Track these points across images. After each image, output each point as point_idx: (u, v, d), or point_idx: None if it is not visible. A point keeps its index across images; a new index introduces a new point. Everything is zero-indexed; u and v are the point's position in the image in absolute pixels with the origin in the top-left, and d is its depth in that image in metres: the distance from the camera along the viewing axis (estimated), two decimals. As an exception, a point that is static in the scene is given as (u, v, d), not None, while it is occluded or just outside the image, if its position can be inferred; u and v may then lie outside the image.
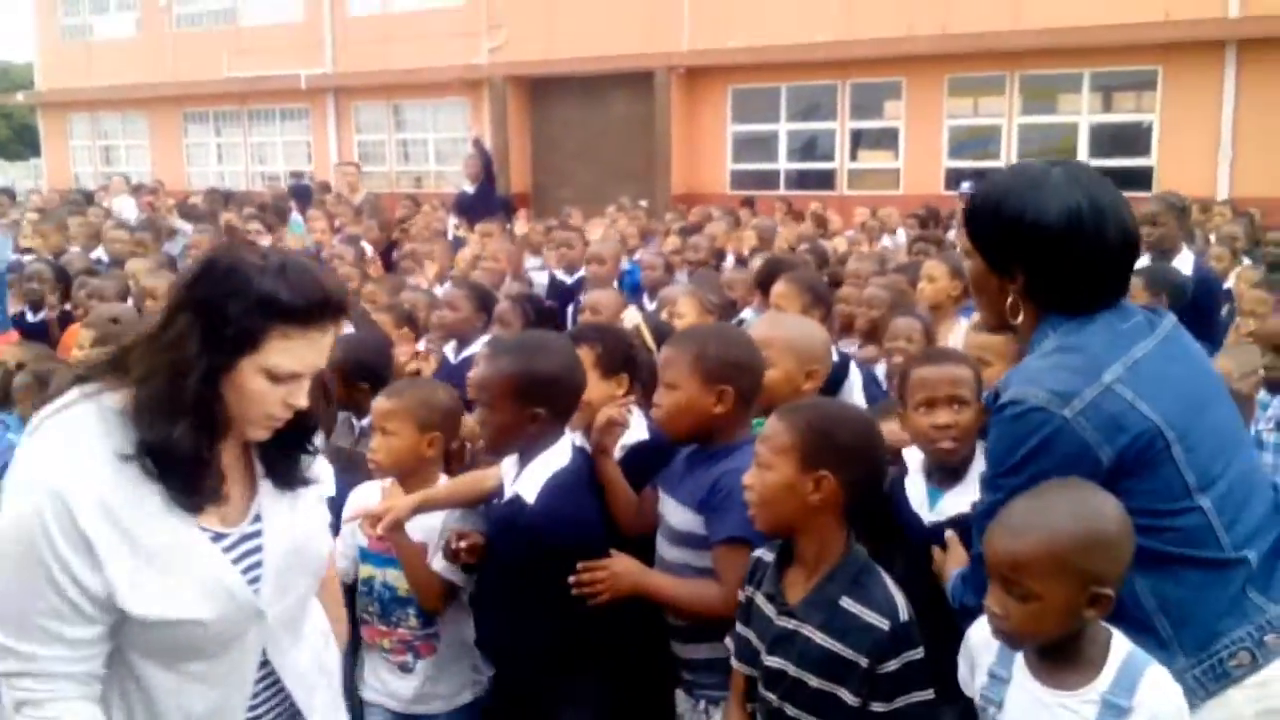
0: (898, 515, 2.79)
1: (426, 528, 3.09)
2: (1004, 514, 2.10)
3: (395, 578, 3.12)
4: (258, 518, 1.99)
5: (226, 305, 1.80)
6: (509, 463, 2.98)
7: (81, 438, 1.80)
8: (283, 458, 2.03)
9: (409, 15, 20.99)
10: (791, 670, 2.32)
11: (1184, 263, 5.88)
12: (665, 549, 2.83)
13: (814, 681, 2.28)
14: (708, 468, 2.75)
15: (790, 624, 2.35)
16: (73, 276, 6.72)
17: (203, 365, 1.80)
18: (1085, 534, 2.00)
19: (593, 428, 2.99)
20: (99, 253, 8.54)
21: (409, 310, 5.63)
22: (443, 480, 3.20)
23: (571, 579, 2.67)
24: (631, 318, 4.25)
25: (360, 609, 3.20)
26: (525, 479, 2.82)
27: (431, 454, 3.17)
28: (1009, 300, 2.22)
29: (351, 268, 7.33)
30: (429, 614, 3.08)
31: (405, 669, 3.16)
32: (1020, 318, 2.23)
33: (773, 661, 2.36)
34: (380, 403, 3.22)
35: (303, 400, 1.91)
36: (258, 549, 1.97)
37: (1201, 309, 5.42)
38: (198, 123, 24.74)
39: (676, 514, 2.80)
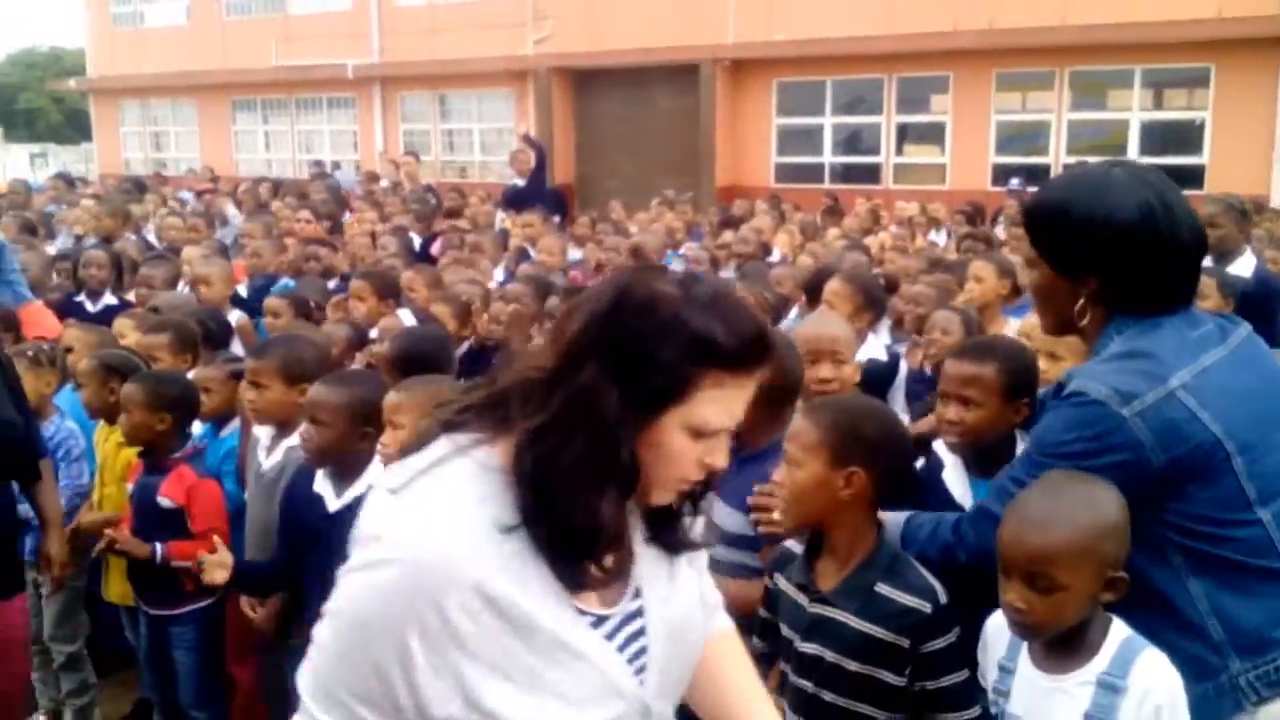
0: (939, 505, 2.76)
1: None
2: (1019, 509, 2.13)
3: None
4: (638, 593, 1.62)
5: (653, 346, 1.45)
6: None
7: (459, 503, 1.48)
8: (670, 517, 1.65)
9: (455, 5, 21.09)
10: (829, 656, 2.35)
11: (1244, 265, 5.83)
12: (719, 550, 2.85)
13: (853, 665, 2.32)
14: (754, 469, 2.79)
15: (825, 611, 2.38)
16: (127, 263, 6.87)
17: (628, 420, 1.46)
18: (1100, 521, 2.05)
19: None
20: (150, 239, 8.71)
21: (467, 302, 5.69)
22: None
23: None
24: None
25: None
26: None
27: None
28: (1078, 305, 2.23)
29: (395, 258, 7.41)
30: None
31: None
32: (1086, 320, 2.24)
33: (808, 648, 2.39)
34: (391, 396, 3.24)
35: (723, 459, 1.57)
36: (640, 632, 1.60)
37: (1263, 312, 5.38)
38: (246, 110, 25.00)
39: (728, 517, 2.85)
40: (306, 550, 3.36)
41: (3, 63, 51.48)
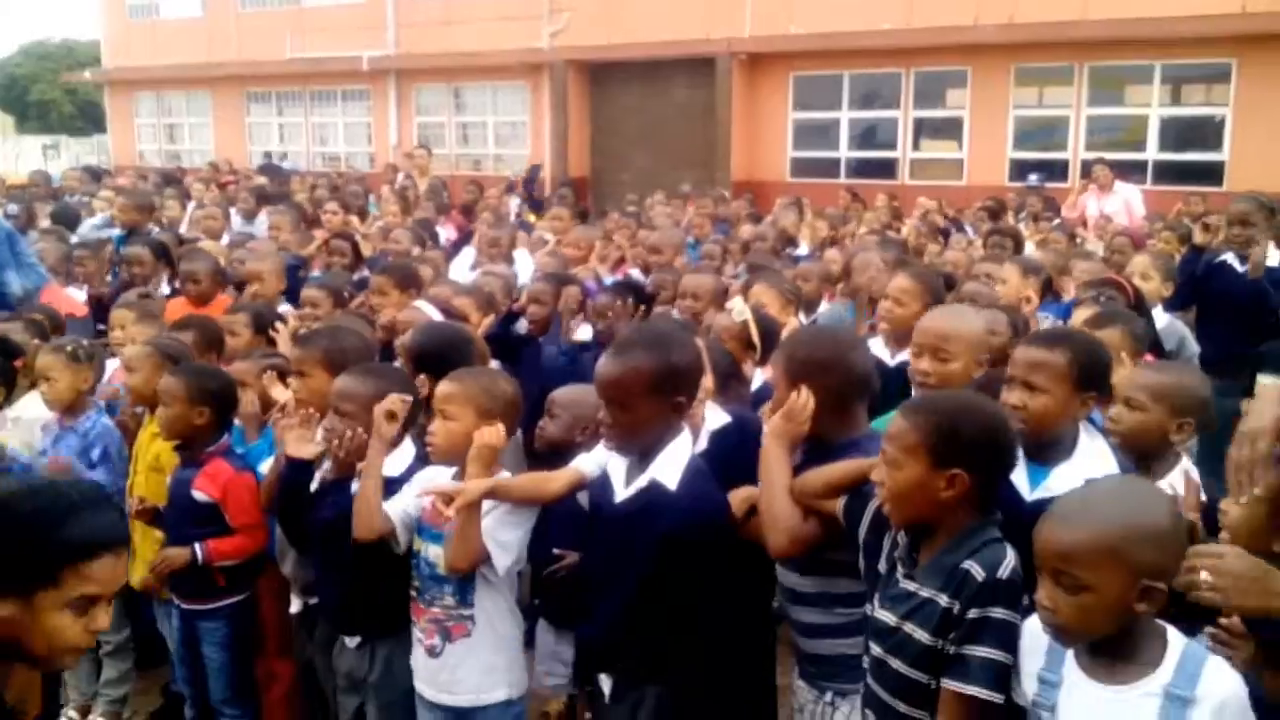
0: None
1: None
2: (1056, 505, 2.16)
3: (437, 555, 3.16)
4: None
5: None
6: (597, 460, 3.00)
7: None
8: None
9: (471, -2, 21.07)
10: (899, 623, 2.38)
11: (1270, 261, 5.83)
12: (789, 578, 2.91)
13: (920, 634, 2.33)
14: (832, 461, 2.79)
15: (910, 585, 2.40)
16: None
17: None
18: (1134, 525, 2.03)
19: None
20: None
21: (490, 294, 5.68)
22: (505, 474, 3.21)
23: None
24: (739, 309, 4.20)
25: (411, 583, 3.26)
26: (661, 466, 2.82)
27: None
28: None
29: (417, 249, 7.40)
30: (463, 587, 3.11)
31: (433, 653, 3.20)
32: None
33: (882, 615, 2.43)
34: (443, 387, 3.26)
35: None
36: None
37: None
38: (260, 103, 24.99)
39: None
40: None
41: (15, 54, 51.50)
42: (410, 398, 3.24)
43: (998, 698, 2.25)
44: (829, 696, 2.85)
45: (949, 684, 2.28)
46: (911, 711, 2.37)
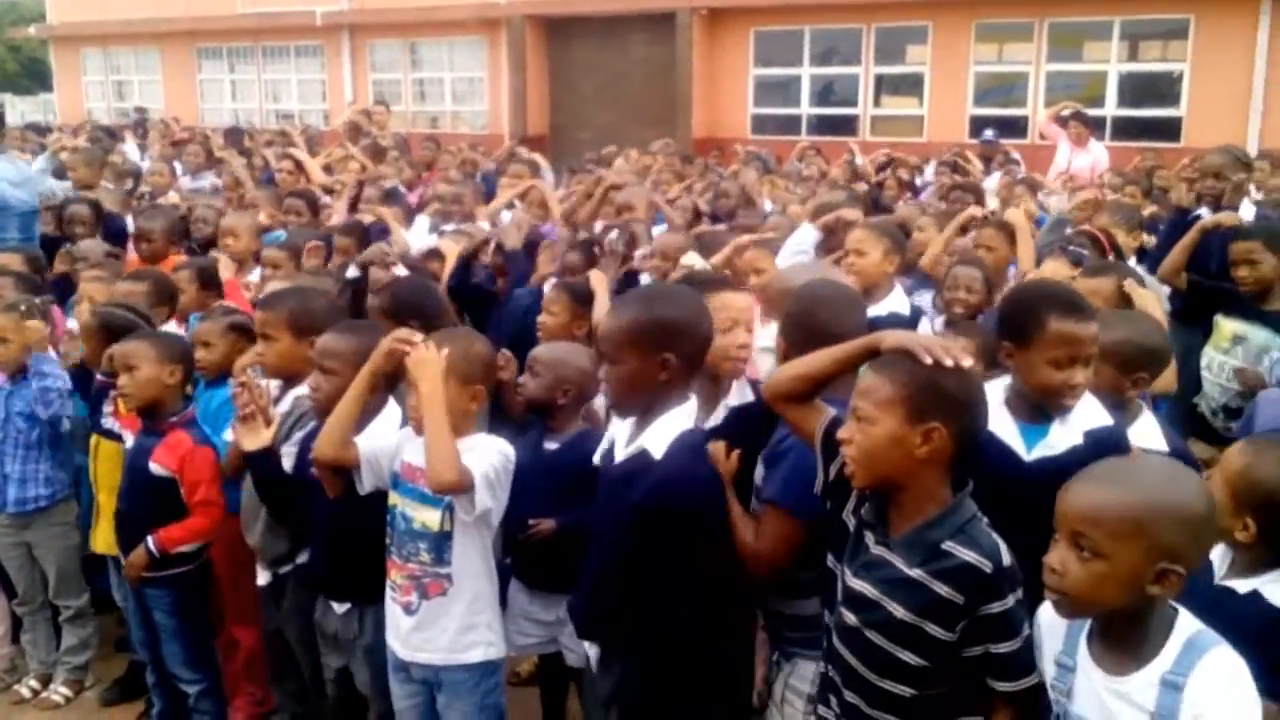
0: (985, 453, 2.60)
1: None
2: (1093, 467, 2.11)
3: (414, 509, 3.11)
4: None
5: None
6: (618, 428, 2.95)
7: None
8: None
9: (427, -49, 20.70)
10: (876, 596, 2.31)
11: (1245, 213, 5.84)
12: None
13: (900, 613, 2.27)
14: (784, 424, 2.73)
15: (885, 554, 2.33)
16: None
17: None
18: (1165, 503, 1.99)
19: None
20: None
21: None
22: (481, 436, 3.16)
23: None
24: (693, 261, 4.18)
25: (387, 538, 3.21)
26: (651, 434, 2.75)
27: (474, 407, 3.14)
28: None
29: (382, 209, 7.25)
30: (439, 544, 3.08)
31: (409, 610, 3.15)
32: None
33: (857, 585, 2.36)
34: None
35: None
36: None
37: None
38: (212, 59, 24.48)
39: (759, 472, 2.83)
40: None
41: (-46, 10, 50.10)
42: (421, 336, 3.13)
43: (1041, 675, 2.26)
44: (774, 656, 2.83)
45: (1003, 686, 2.26)
46: (881, 682, 2.32)
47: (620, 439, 2.85)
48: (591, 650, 2.97)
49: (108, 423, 4.27)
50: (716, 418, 3.07)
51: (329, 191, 8.08)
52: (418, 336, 3.10)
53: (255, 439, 3.50)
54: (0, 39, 40.59)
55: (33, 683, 4.68)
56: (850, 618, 2.36)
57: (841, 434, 2.38)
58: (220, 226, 6.21)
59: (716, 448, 2.79)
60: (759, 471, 2.82)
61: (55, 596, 4.60)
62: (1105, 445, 2.63)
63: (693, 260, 4.42)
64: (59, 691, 4.62)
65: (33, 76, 39.17)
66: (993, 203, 7.97)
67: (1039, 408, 2.74)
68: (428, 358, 3.00)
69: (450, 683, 3.16)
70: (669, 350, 2.73)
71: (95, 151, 9.07)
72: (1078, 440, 2.60)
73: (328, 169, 9.51)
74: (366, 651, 3.43)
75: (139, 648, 4.22)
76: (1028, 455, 2.69)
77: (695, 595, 2.68)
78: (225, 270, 5.58)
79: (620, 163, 11.13)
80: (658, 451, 2.72)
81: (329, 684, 3.63)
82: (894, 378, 2.31)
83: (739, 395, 3.11)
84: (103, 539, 4.26)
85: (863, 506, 2.44)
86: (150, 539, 3.81)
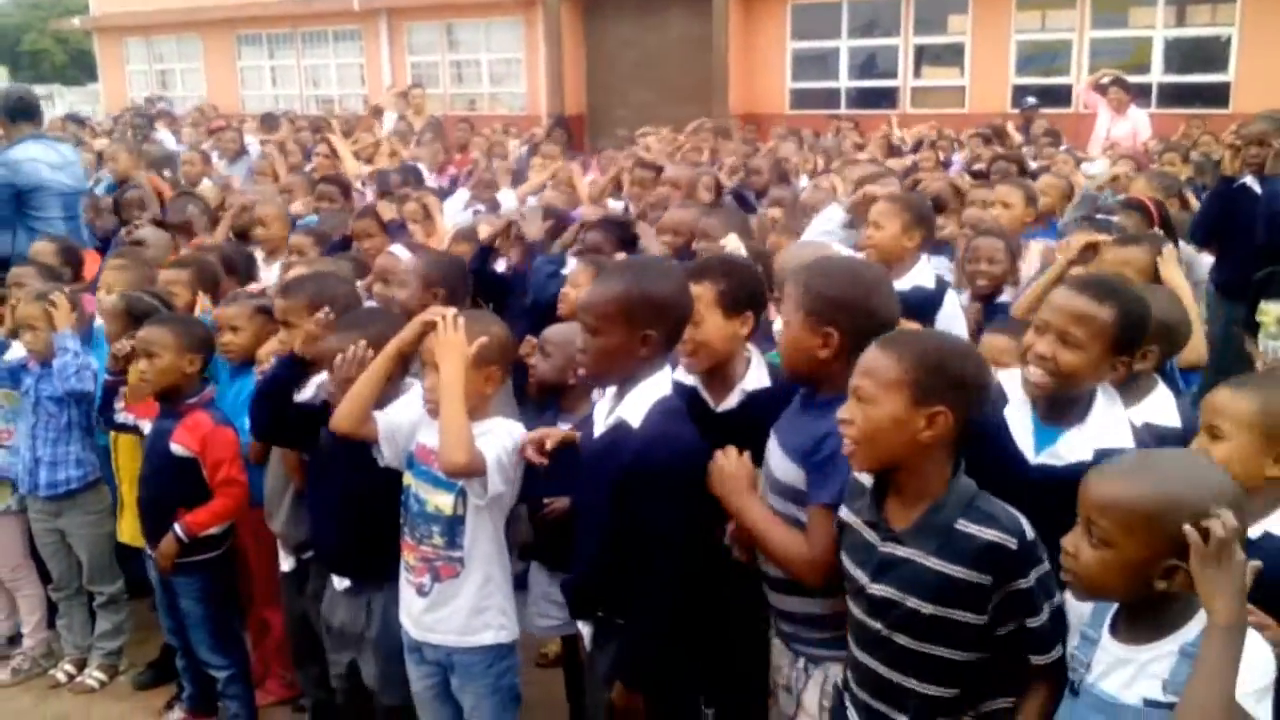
0: (995, 447, 2.56)
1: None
2: (1114, 459, 2.11)
3: (427, 491, 3.10)
4: None
5: None
6: (600, 402, 2.92)
7: None
8: None
9: (462, -68, 20.65)
10: (902, 598, 2.25)
11: None
12: (769, 497, 2.73)
13: (929, 608, 2.22)
14: (815, 418, 2.61)
15: (898, 550, 2.28)
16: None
17: None
18: (1179, 499, 1.94)
19: None
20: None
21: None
22: (496, 420, 3.12)
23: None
24: (734, 245, 4.09)
25: (401, 519, 3.20)
26: (628, 405, 2.74)
27: (489, 390, 3.11)
28: None
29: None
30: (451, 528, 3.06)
31: (422, 591, 3.14)
32: None
33: (878, 589, 2.30)
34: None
35: None
36: None
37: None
38: (252, 45, 24.64)
39: (781, 464, 2.69)
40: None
41: (5, 4, 50.90)
42: (454, 310, 3.10)
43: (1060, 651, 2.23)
44: (801, 664, 2.75)
45: (1038, 659, 2.23)
46: (907, 682, 2.28)
47: (600, 415, 2.83)
48: (585, 630, 2.96)
49: (120, 417, 4.32)
50: (730, 402, 2.98)
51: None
52: (450, 312, 3.07)
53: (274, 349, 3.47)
54: (47, 31, 41.22)
55: (68, 667, 4.75)
56: (879, 626, 2.31)
57: (841, 413, 2.32)
58: (256, 214, 6.25)
59: (727, 453, 2.71)
60: (792, 470, 2.67)
61: (89, 583, 4.67)
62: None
63: (735, 245, 4.29)
64: (93, 676, 4.69)
65: (80, 67, 39.71)
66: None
67: (1057, 407, 2.62)
68: (453, 339, 2.98)
69: (463, 664, 3.16)
70: (652, 327, 2.71)
71: (129, 142, 9.16)
72: (1086, 457, 2.46)
73: (360, 155, 9.54)
74: (375, 644, 3.44)
75: (168, 634, 4.27)
76: (1034, 457, 2.59)
77: (681, 561, 2.66)
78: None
79: (653, 141, 11.08)
80: (635, 420, 2.69)
81: (335, 679, 3.64)
82: (900, 356, 2.26)
83: (756, 379, 2.99)
84: (128, 530, 4.31)
85: (856, 502, 2.40)
86: (177, 525, 3.84)
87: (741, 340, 3.01)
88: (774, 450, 2.73)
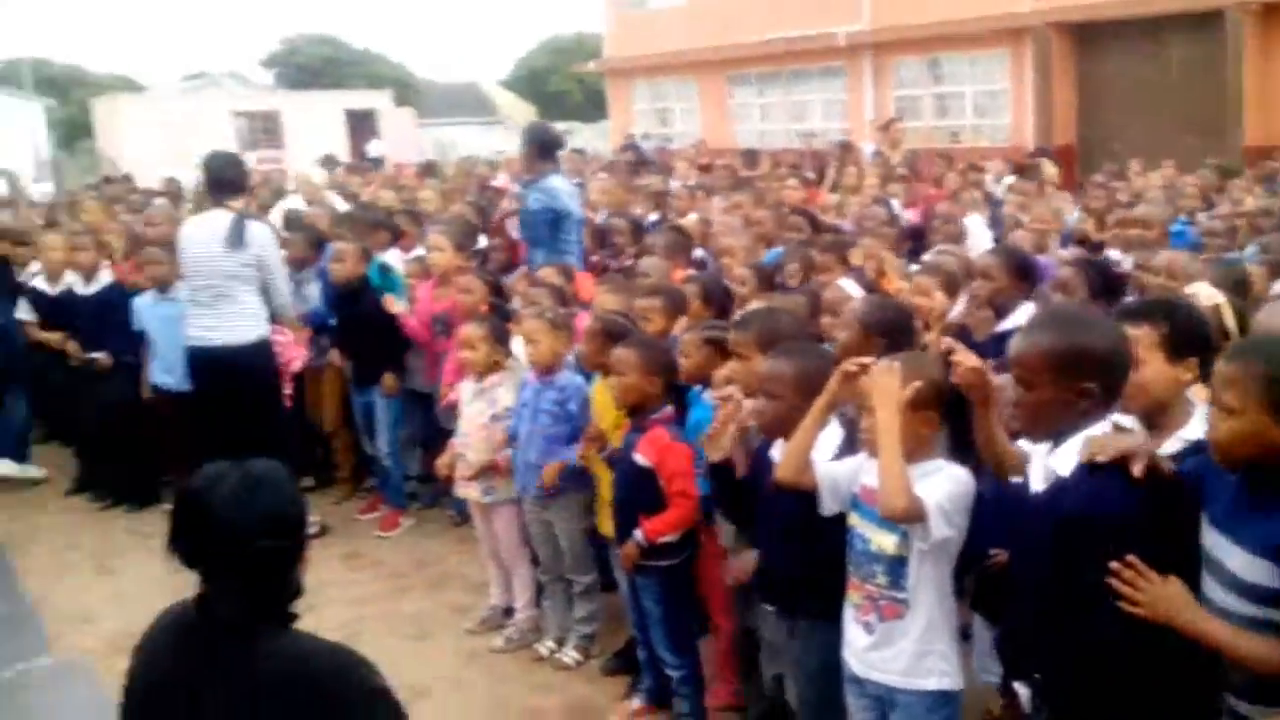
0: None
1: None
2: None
3: (871, 531, 3.15)
4: None
5: None
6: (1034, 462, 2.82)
7: None
8: None
9: (945, -33, 20.49)
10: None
11: None
12: (1216, 592, 2.51)
13: None
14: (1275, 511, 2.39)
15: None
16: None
17: None
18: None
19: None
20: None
21: (951, 272, 5.54)
22: (938, 463, 3.16)
23: (1113, 565, 2.46)
24: (1207, 294, 3.80)
25: (846, 558, 3.28)
26: (1062, 454, 2.66)
27: (926, 432, 3.12)
28: None
29: (886, 229, 7.36)
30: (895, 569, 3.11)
31: (868, 629, 3.18)
32: None
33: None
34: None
35: None
36: None
37: None
38: (741, 85, 25.98)
39: (1238, 559, 2.46)
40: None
41: (536, 49, 56.97)
42: (874, 360, 3.19)
43: None
44: None
45: None
46: None
47: (1035, 467, 2.78)
48: (1023, 691, 2.84)
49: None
50: (1168, 449, 2.78)
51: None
52: (871, 361, 3.18)
53: (717, 450, 3.70)
54: (568, 73, 45.78)
55: (550, 643, 5.34)
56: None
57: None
58: (719, 246, 6.78)
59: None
60: (1260, 567, 2.42)
61: (568, 572, 5.23)
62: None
63: (1208, 295, 3.92)
64: (570, 655, 5.23)
65: (596, 105, 43.71)
66: None
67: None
68: (887, 384, 3.03)
69: (904, 704, 3.18)
70: (1089, 380, 2.62)
71: (626, 175, 10.12)
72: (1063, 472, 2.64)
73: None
74: (798, 663, 3.55)
75: (633, 627, 4.70)
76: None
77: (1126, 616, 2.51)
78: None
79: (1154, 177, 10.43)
80: (1066, 469, 2.63)
81: (766, 685, 3.82)
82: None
83: (1198, 429, 2.79)
84: (605, 523, 4.80)
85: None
86: (638, 532, 4.24)
87: (1184, 386, 2.88)
88: (1219, 542, 2.54)
